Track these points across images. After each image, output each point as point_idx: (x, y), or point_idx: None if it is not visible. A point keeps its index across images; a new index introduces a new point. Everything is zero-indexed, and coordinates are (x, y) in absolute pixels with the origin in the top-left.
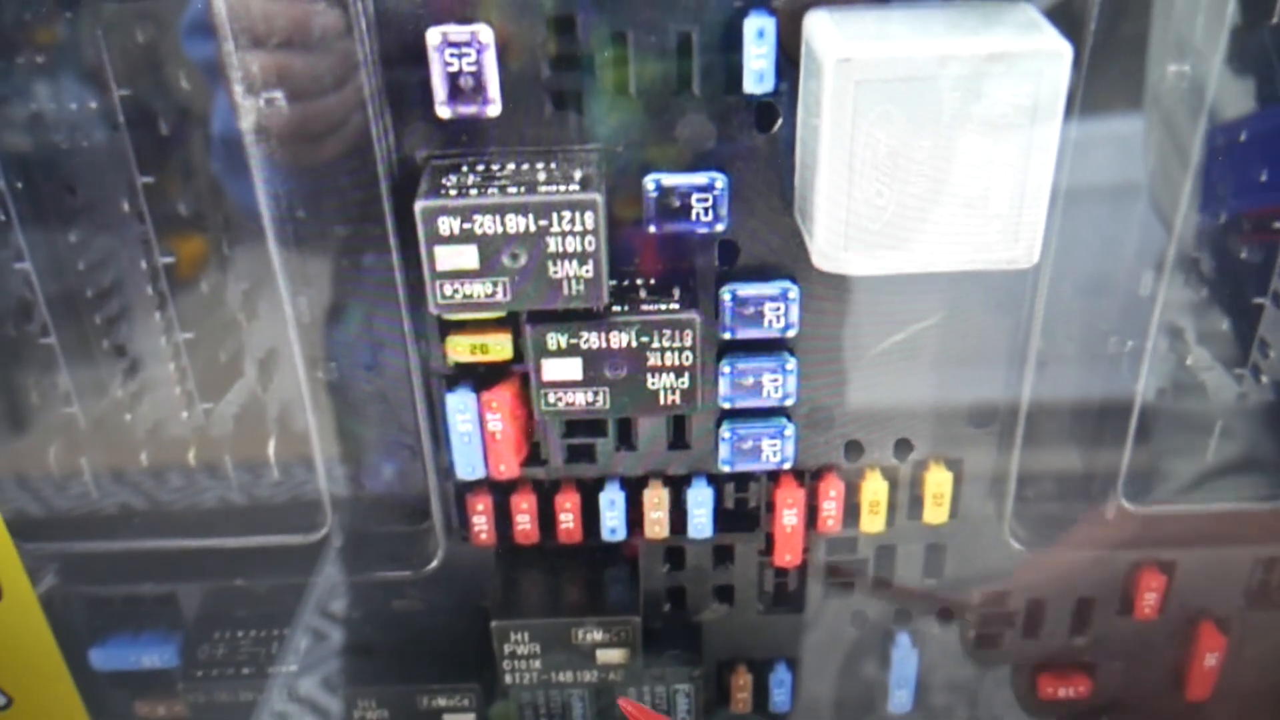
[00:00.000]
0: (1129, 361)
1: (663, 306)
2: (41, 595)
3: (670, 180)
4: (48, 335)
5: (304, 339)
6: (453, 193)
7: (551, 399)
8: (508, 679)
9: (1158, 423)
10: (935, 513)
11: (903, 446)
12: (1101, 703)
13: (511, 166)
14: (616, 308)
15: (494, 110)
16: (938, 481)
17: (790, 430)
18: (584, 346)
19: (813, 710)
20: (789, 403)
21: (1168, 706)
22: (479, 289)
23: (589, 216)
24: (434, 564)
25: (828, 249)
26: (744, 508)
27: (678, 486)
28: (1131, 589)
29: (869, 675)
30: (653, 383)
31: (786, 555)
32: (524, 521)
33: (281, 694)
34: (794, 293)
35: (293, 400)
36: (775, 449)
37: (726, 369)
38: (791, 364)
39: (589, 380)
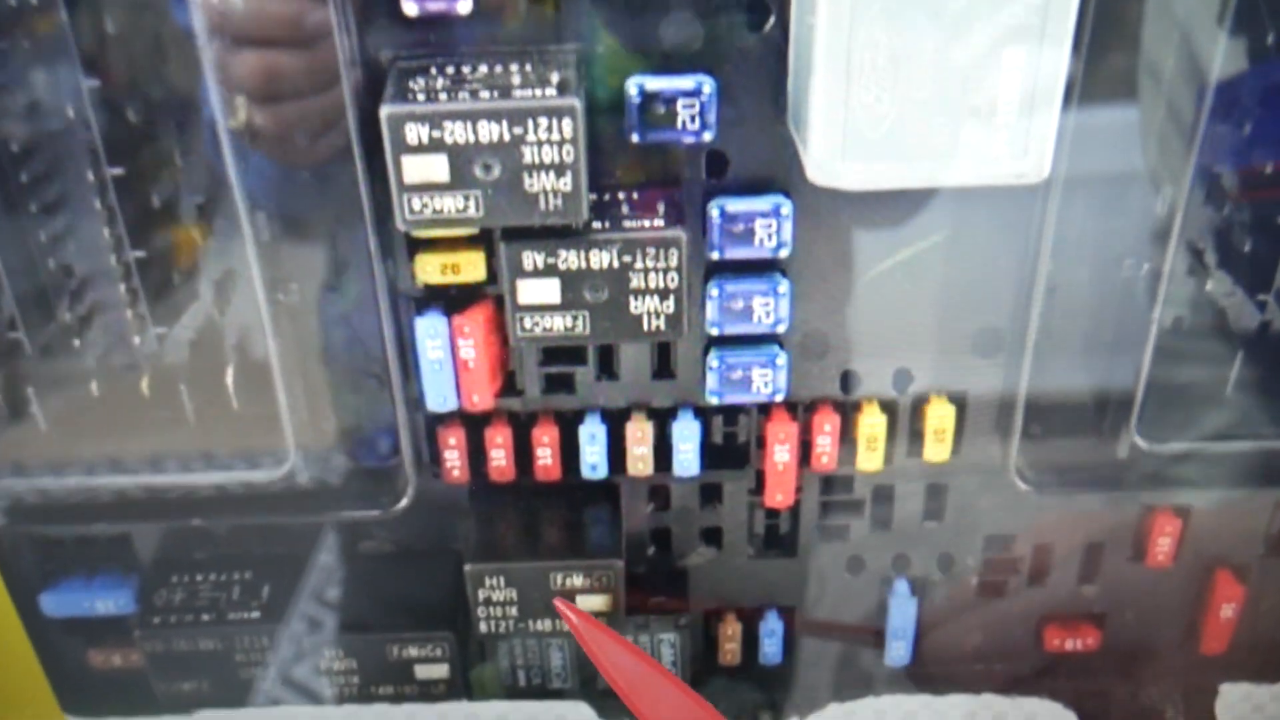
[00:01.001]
0: (1145, 286)
1: (646, 223)
2: None
3: (654, 84)
4: None
5: (263, 258)
6: (420, 97)
7: (528, 324)
8: (483, 627)
9: (1174, 353)
10: (936, 450)
11: (902, 377)
12: (1111, 656)
13: (484, 68)
14: (597, 224)
15: (464, 6)
16: (939, 415)
17: (782, 359)
18: (562, 267)
19: (806, 663)
20: (781, 329)
21: (1181, 660)
22: (449, 203)
23: (567, 124)
24: (404, 503)
25: (823, 160)
26: (733, 443)
27: (662, 420)
28: (1144, 534)
29: (864, 622)
30: (636, 306)
31: (778, 495)
32: (499, 457)
33: (244, 642)
34: (787, 208)
35: (252, 325)
36: (766, 379)
37: (714, 291)
38: (784, 286)
39: (568, 303)
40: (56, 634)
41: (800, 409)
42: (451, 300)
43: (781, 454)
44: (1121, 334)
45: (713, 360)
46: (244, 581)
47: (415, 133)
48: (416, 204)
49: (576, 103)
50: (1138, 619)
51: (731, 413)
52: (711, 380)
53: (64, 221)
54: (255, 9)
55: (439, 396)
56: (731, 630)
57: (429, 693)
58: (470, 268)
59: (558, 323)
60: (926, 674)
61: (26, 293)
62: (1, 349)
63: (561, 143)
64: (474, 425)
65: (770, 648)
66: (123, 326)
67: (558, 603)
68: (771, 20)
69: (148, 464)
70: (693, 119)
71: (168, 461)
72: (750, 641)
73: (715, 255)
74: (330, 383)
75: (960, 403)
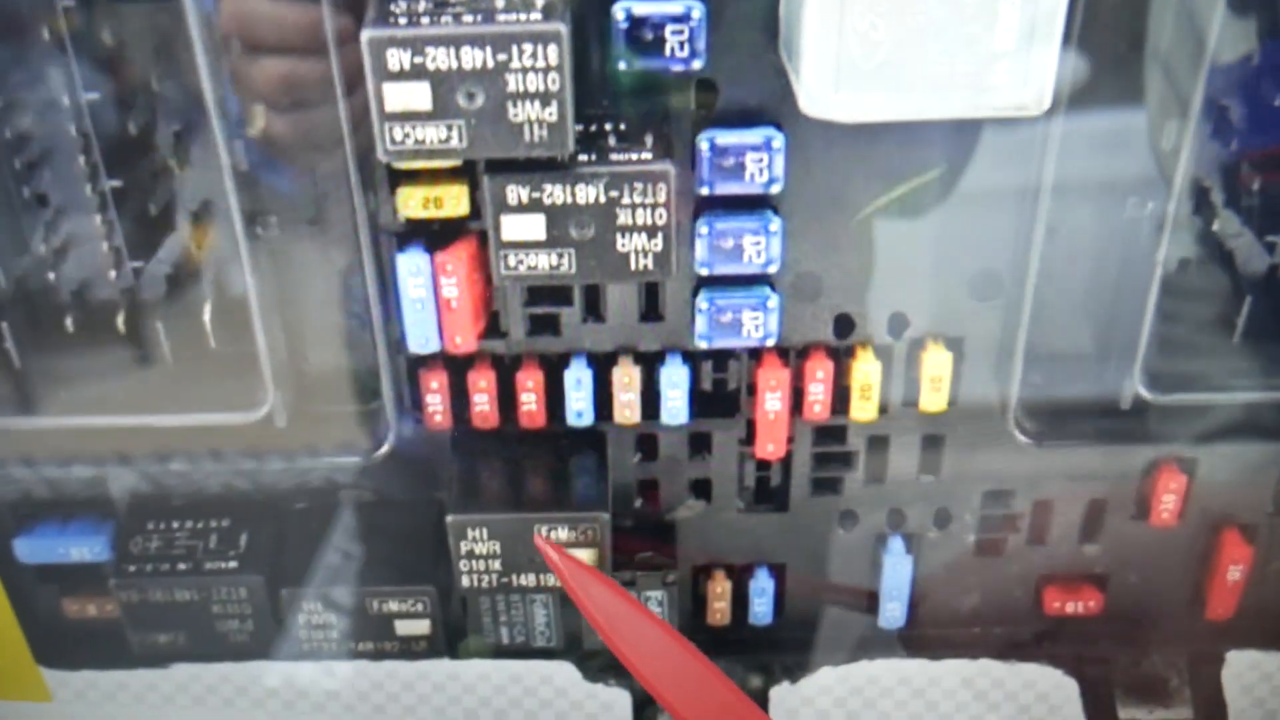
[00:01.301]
0: (1149, 227)
1: (634, 156)
2: None
3: (642, 9)
4: None
5: (241, 189)
6: (402, 21)
7: (512, 261)
8: (465, 581)
9: (1180, 298)
10: (933, 399)
11: (897, 322)
12: (1114, 620)
13: None
14: (583, 156)
15: None
16: (935, 363)
17: (774, 301)
18: (547, 201)
19: (797, 626)
20: (772, 269)
21: (1187, 626)
22: (432, 133)
23: (552, 50)
24: (384, 449)
25: (815, 91)
26: (723, 390)
27: (650, 367)
28: (1148, 491)
29: (859, 585)
30: (623, 244)
31: (769, 445)
32: (482, 402)
33: (221, 593)
34: (779, 141)
35: (230, 260)
36: (757, 322)
37: (704, 229)
38: (775, 224)
39: (553, 240)
40: (30, 582)
41: (792, 355)
42: (434, 236)
43: (773, 402)
44: (1125, 278)
45: (702, 302)
46: (221, 529)
47: (397, 59)
48: (398, 134)
49: (562, 28)
50: (1141, 581)
51: (721, 358)
52: (701, 323)
53: (39, 148)
54: (275, 15)
55: (421, 337)
56: (720, 588)
57: (410, 649)
58: (453, 201)
59: (543, 261)
60: (922, 638)
61: (1, 223)
62: None
63: (546, 70)
64: (457, 369)
65: (760, 608)
66: (98, 259)
67: (538, 539)
68: None
69: (124, 405)
70: (681, 46)
71: (144, 402)
72: (740, 602)
73: (705, 190)
74: (310, 322)
75: (957, 349)
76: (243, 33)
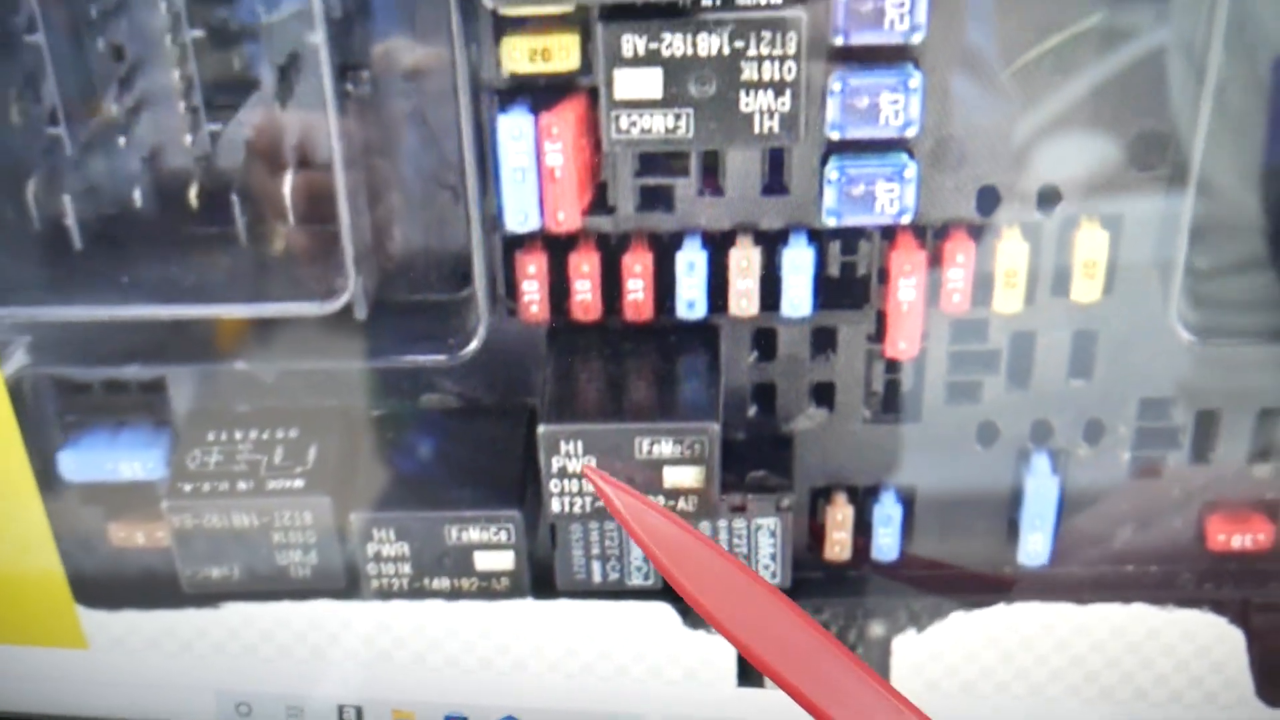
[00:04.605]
0: None
1: (762, 1)
2: (9, 379)
3: None
4: (34, 31)
5: (333, 39)
6: None
7: (624, 123)
8: (554, 506)
9: None
10: (1086, 287)
11: (1049, 195)
12: None
13: None
14: (706, 1)
15: None
16: (1090, 244)
17: (911, 170)
18: (666, 53)
19: (925, 562)
20: (910, 132)
21: None
22: None
23: None
24: (474, 345)
25: None
26: (851, 276)
27: (771, 250)
28: None
29: (995, 511)
30: (747, 103)
31: (901, 342)
32: (584, 289)
33: (284, 518)
34: None
35: (316, 123)
36: (893, 195)
37: (837, 86)
38: (916, 79)
39: (670, 99)
40: (73, 504)
41: (930, 235)
42: (539, 95)
43: (907, 290)
44: None
45: (832, 171)
46: (288, 442)
47: None
48: None
49: None
50: None
51: (851, 239)
52: (830, 196)
53: None
54: None
55: (520, 213)
56: (841, 515)
57: (490, 588)
58: (562, 53)
59: (658, 123)
60: (1067, 577)
61: (71, 79)
62: (41, 147)
63: None
64: (557, 252)
65: (885, 539)
66: (174, 121)
67: (586, 470)
68: None
69: (189, 292)
70: None
71: (212, 290)
72: (862, 533)
73: (839, 40)
74: (398, 194)
75: (1115, 229)
76: None
